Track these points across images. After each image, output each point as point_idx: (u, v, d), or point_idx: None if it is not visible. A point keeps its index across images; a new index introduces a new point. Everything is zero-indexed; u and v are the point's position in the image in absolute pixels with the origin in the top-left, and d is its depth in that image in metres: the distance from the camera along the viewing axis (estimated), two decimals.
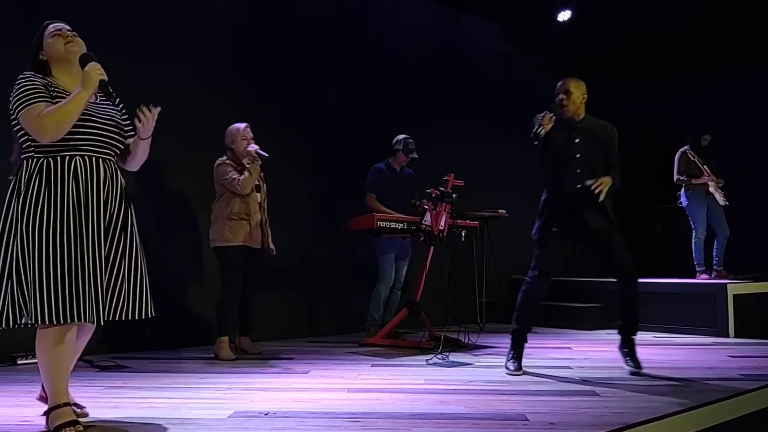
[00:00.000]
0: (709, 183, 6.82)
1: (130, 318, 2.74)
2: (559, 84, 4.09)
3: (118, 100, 2.74)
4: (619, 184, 3.95)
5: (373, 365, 4.41)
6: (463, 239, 5.36)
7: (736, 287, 5.99)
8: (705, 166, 6.86)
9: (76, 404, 2.82)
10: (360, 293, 5.99)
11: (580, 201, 3.92)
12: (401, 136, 5.78)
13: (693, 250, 6.88)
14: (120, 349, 4.79)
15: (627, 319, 4.08)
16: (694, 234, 6.88)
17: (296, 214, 5.87)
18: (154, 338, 5.05)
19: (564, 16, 8.03)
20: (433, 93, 7.10)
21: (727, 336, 5.80)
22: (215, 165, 4.76)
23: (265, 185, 4.92)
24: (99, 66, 2.66)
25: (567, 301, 6.87)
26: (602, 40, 8.42)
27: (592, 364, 4.40)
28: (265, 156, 4.61)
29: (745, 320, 5.88)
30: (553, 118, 3.90)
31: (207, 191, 4.86)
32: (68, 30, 2.78)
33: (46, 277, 2.51)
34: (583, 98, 4.08)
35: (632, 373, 3.98)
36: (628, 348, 4.11)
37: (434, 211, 5.16)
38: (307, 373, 4.10)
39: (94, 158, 2.68)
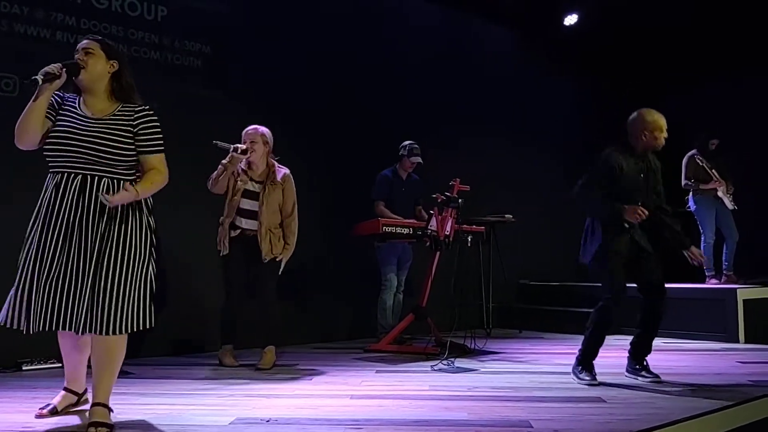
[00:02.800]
0: (718, 188, 6.77)
1: (90, 331, 2.71)
2: (658, 117, 3.97)
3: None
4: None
5: (377, 371, 4.39)
6: (469, 244, 5.33)
7: (745, 292, 5.92)
8: (713, 171, 6.80)
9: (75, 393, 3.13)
10: (368, 299, 5.97)
11: (636, 226, 3.94)
12: (406, 142, 5.78)
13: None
14: (126, 354, 4.76)
15: (652, 334, 4.03)
16: (702, 239, 6.81)
17: (304, 220, 5.83)
18: (159, 344, 5.04)
19: (571, 20, 8.01)
20: (439, 97, 7.08)
21: (737, 341, 5.73)
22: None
23: (274, 193, 4.59)
24: (55, 66, 2.75)
25: (573, 306, 6.81)
26: (610, 43, 8.40)
27: (600, 369, 4.31)
28: (225, 147, 4.41)
29: (755, 325, 5.81)
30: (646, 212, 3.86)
31: (208, 196, 4.82)
32: (83, 48, 2.89)
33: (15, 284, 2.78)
34: None
35: (651, 383, 3.92)
36: (639, 365, 4.07)
37: (440, 216, 5.14)
38: (311, 379, 4.08)
39: (72, 174, 2.78)
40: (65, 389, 3.13)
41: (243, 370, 4.38)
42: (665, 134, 3.98)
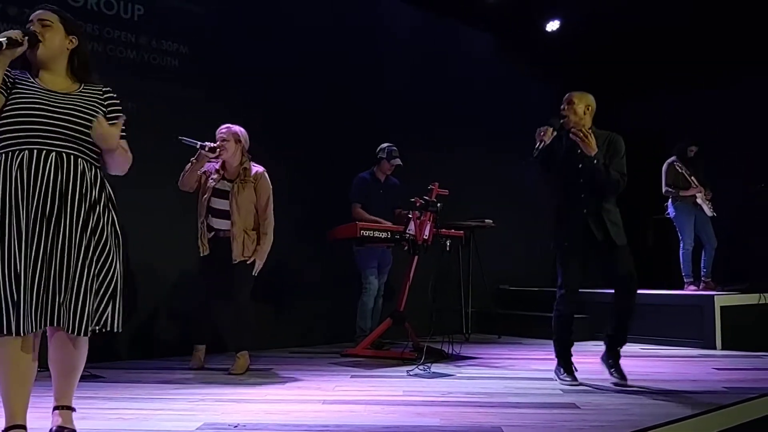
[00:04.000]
0: (697, 194, 6.79)
1: (69, 331, 2.45)
2: (565, 95, 4.09)
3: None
4: (619, 187, 3.94)
5: (352, 376, 4.34)
6: (448, 249, 5.30)
7: (723, 299, 5.95)
8: (692, 177, 6.83)
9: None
10: (346, 302, 5.93)
11: (585, 210, 3.94)
12: (384, 145, 5.75)
13: (681, 261, 6.84)
14: (96, 358, 4.68)
15: (617, 331, 4.03)
16: (681, 245, 6.84)
17: (282, 222, 5.78)
18: (132, 347, 4.97)
19: (553, 26, 8.03)
20: (420, 101, 7.06)
21: (714, 348, 5.74)
22: None
23: (246, 192, 4.49)
24: (14, 31, 2.48)
25: (552, 311, 6.79)
26: (590, 50, 8.42)
27: (576, 375, 4.33)
28: (191, 143, 4.32)
29: (732, 332, 5.83)
30: (554, 131, 3.92)
31: (182, 196, 4.70)
32: (39, 20, 2.61)
33: None
34: (586, 109, 4.06)
35: (616, 385, 3.93)
36: (612, 359, 4.07)
37: (418, 220, 5.11)
38: (284, 384, 4.02)
39: (45, 151, 2.47)
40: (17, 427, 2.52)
41: (216, 375, 4.31)
42: (568, 107, 4.04)
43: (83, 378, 4.02)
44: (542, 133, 3.88)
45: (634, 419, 3.06)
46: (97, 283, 2.52)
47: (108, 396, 3.56)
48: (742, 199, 7.44)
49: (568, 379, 4.04)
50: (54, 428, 2.58)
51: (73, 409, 2.68)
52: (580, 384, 3.97)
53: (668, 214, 6.99)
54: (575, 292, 4.02)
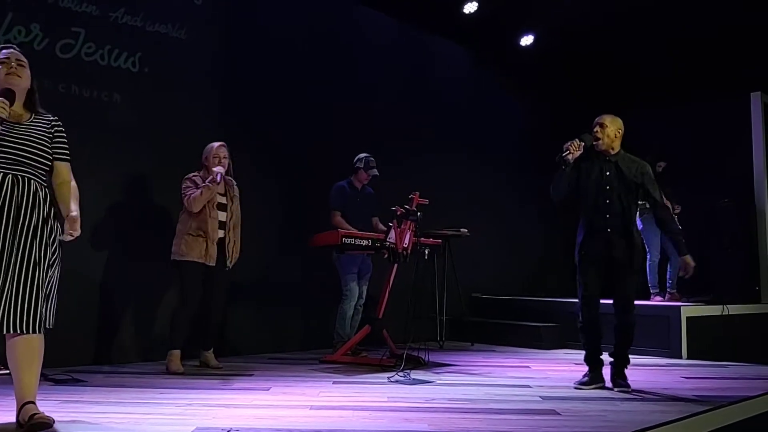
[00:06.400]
0: None
1: (20, 329, 2.78)
2: (597, 117, 4.26)
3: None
4: (675, 225, 4.40)
5: (334, 382, 4.39)
6: (426, 257, 5.39)
7: (689, 310, 6.15)
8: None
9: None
10: (324, 309, 5.97)
11: (608, 230, 4.12)
12: (362, 155, 5.82)
13: (647, 272, 7.04)
14: (73, 362, 4.66)
15: (616, 347, 4.22)
16: (648, 257, 7.03)
17: (260, 229, 5.82)
18: (109, 351, 4.95)
19: (527, 40, 8.21)
20: (399, 112, 7.15)
21: (681, 357, 5.93)
22: (183, 179, 4.76)
23: (234, 205, 4.91)
24: (4, 102, 2.84)
25: (524, 320, 6.96)
26: (563, 65, 8.64)
27: (552, 383, 4.46)
28: (217, 180, 4.63)
29: (697, 342, 6.03)
30: (582, 146, 4.13)
31: (174, 205, 4.83)
32: (17, 59, 2.99)
33: None
34: (618, 133, 4.25)
35: (621, 391, 4.10)
36: (616, 374, 4.23)
37: (399, 229, 5.18)
38: (268, 389, 4.06)
39: (2, 173, 2.84)
40: None
41: (198, 380, 4.33)
42: (601, 130, 4.22)
43: (65, 382, 4.04)
44: (570, 145, 4.08)
45: (613, 425, 3.19)
46: (49, 287, 2.92)
47: (93, 400, 3.55)
48: (706, 215, 7.69)
49: (584, 379, 4.22)
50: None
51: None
52: (598, 387, 4.17)
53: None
54: (594, 297, 4.18)
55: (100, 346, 4.94)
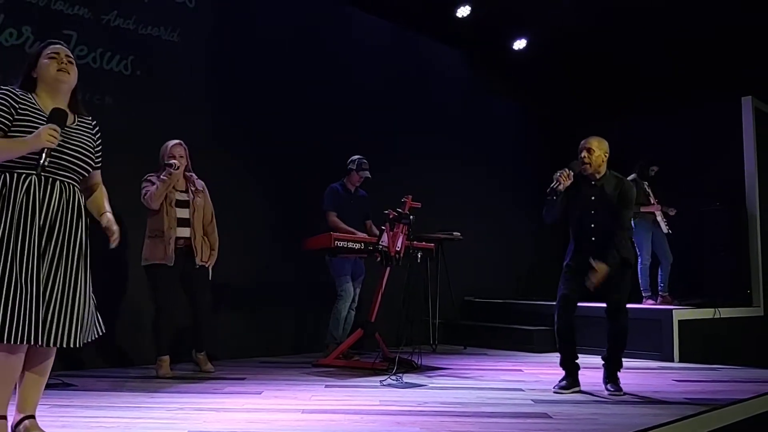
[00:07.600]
0: (656, 211, 7.05)
1: (64, 345, 2.61)
2: (582, 141, 4.28)
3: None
4: (626, 250, 4.22)
5: (327, 386, 4.39)
6: (419, 261, 5.39)
7: (681, 313, 6.16)
8: (652, 195, 7.09)
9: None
10: (315, 313, 5.96)
11: (596, 250, 4.14)
12: (355, 157, 5.83)
13: (639, 275, 7.07)
14: (64, 366, 4.64)
15: (608, 351, 4.27)
16: (639, 260, 7.06)
17: (252, 232, 5.82)
18: (98, 356, 4.93)
19: (520, 44, 8.23)
20: (393, 115, 7.15)
21: (672, 360, 5.94)
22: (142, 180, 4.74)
23: (199, 199, 4.78)
24: (55, 131, 2.59)
25: (517, 323, 6.96)
26: (556, 69, 8.66)
27: (544, 386, 4.46)
28: (172, 166, 4.56)
29: (689, 345, 6.04)
30: (572, 174, 4.17)
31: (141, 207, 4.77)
32: (66, 55, 2.79)
33: None
34: (605, 156, 4.26)
35: (612, 395, 4.13)
36: (608, 378, 4.26)
37: (391, 232, 5.18)
38: (260, 393, 4.05)
39: (51, 179, 2.64)
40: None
41: (189, 384, 4.31)
42: (588, 155, 4.21)
43: (55, 386, 4.01)
44: (560, 176, 4.12)
45: (605, 428, 3.19)
46: (89, 298, 2.75)
47: (84, 404, 3.55)
48: (698, 218, 7.73)
49: (561, 383, 4.25)
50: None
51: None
52: (574, 391, 4.21)
53: None
54: (571, 302, 4.22)
55: (90, 350, 4.90)
